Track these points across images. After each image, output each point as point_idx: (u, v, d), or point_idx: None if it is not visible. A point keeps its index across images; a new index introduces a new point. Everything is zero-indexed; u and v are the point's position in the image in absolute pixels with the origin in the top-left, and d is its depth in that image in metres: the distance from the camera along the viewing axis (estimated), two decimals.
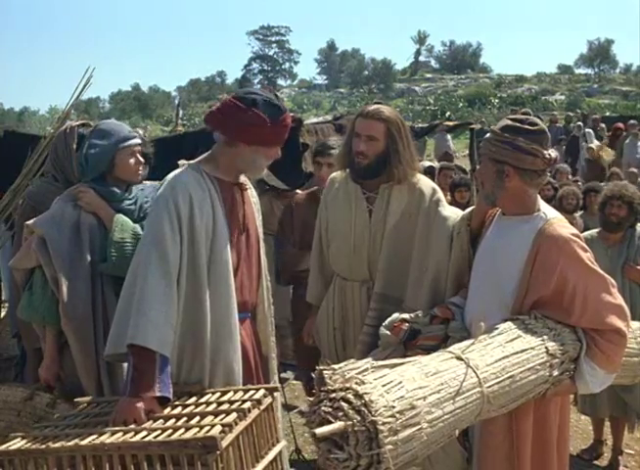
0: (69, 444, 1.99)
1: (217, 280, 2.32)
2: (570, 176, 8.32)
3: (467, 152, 11.21)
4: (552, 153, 2.31)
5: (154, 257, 2.21)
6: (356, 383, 1.77)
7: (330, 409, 1.72)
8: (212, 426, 1.93)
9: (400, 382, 1.80)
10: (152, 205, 2.32)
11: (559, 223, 2.30)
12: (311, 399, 1.82)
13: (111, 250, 2.71)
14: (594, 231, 4.07)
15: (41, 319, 2.79)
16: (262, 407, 2.14)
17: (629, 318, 2.28)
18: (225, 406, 2.09)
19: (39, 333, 2.86)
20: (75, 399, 2.46)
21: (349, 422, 1.67)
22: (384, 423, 1.68)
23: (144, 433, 1.99)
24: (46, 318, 2.79)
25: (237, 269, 2.42)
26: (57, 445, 2.00)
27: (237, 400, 2.13)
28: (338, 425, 1.67)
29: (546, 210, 2.37)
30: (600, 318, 2.21)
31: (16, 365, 3.55)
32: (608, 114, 23.92)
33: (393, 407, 1.72)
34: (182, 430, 1.96)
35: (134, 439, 1.96)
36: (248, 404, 2.08)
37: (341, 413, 1.69)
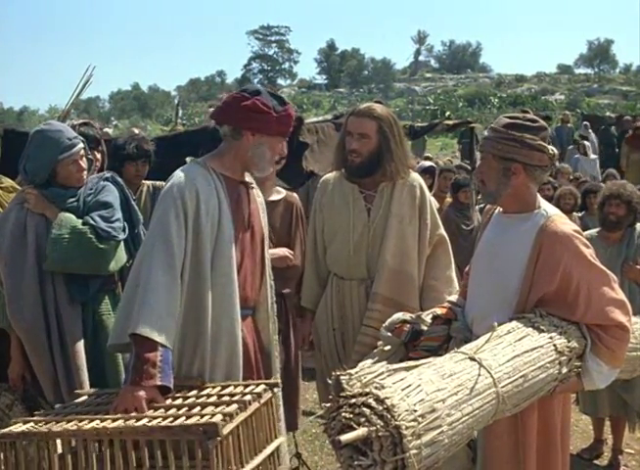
0: (72, 428, 2.00)
1: (220, 275, 2.33)
2: (571, 176, 8.31)
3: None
4: (554, 148, 2.31)
5: (159, 249, 2.23)
6: (376, 387, 1.75)
7: (351, 415, 1.69)
8: (213, 415, 1.95)
9: (419, 385, 1.79)
10: (160, 198, 2.35)
11: (560, 220, 2.29)
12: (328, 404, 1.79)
13: (49, 247, 2.73)
14: (594, 231, 4.08)
15: None
16: (262, 401, 2.15)
17: (631, 313, 2.28)
18: (226, 399, 2.11)
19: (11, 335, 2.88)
20: (75, 391, 2.49)
21: (373, 428, 1.64)
22: (407, 427, 1.65)
23: (145, 420, 2.00)
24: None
25: (240, 265, 2.42)
26: (59, 428, 2.01)
27: (237, 394, 2.15)
28: (361, 431, 1.64)
29: (546, 207, 2.36)
30: (604, 314, 2.21)
31: None
32: (607, 113, 23.90)
33: (415, 411, 1.70)
34: (184, 418, 1.97)
35: (136, 424, 1.97)
36: (248, 397, 2.10)
37: (363, 419, 1.66)
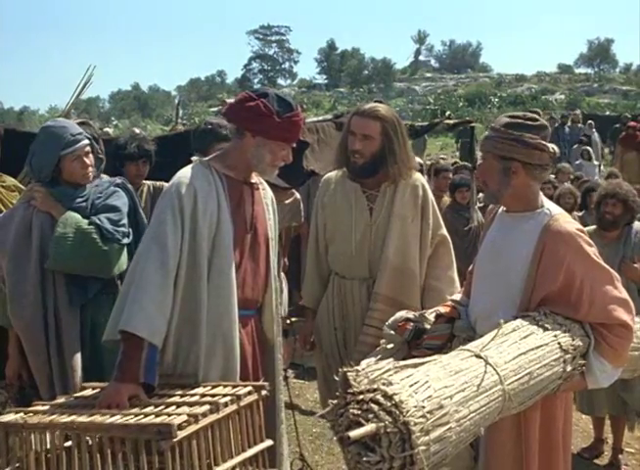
0: (46, 420, 2.02)
1: (218, 275, 2.33)
2: (571, 176, 8.30)
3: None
4: (554, 147, 2.32)
5: (154, 248, 2.25)
6: (383, 384, 1.74)
7: (359, 411, 1.69)
8: (179, 415, 1.93)
9: (427, 381, 1.78)
10: (159, 198, 2.38)
11: (564, 219, 2.30)
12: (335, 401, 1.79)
13: (52, 245, 2.73)
14: (591, 228, 4.07)
15: None
16: (242, 404, 2.11)
17: (634, 312, 2.28)
18: (206, 399, 2.09)
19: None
20: (82, 384, 2.50)
21: (381, 424, 1.64)
22: (415, 423, 1.65)
23: (118, 416, 1.99)
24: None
25: (239, 266, 2.42)
26: (34, 420, 2.03)
27: (219, 395, 2.12)
28: (370, 427, 1.64)
29: (550, 206, 2.37)
30: (607, 313, 2.21)
31: None
32: (608, 113, 23.91)
33: (423, 407, 1.70)
34: (152, 416, 1.96)
35: (98, 420, 1.97)
36: (225, 399, 2.07)
37: (371, 415, 1.66)
